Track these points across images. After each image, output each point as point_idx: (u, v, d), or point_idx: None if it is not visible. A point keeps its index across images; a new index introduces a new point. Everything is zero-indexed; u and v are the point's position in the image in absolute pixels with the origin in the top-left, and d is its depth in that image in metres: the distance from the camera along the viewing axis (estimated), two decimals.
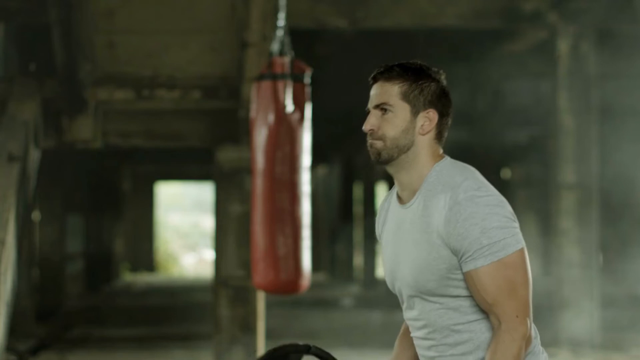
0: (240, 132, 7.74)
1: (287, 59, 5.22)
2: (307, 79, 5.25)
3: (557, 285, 9.53)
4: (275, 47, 5.30)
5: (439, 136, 2.31)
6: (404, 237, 2.30)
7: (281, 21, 5.36)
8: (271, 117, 5.11)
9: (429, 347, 2.29)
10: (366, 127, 2.32)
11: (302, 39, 7.63)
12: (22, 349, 9.07)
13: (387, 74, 2.31)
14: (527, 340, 2.20)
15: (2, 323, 6.77)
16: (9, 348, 8.10)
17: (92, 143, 8.20)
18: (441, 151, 2.32)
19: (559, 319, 9.39)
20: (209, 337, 8.86)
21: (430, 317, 2.27)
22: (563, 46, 9.44)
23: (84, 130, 8.10)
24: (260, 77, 5.24)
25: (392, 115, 2.29)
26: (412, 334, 2.36)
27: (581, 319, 9.28)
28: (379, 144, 2.29)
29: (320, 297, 14.87)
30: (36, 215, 11.81)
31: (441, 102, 2.30)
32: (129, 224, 22.90)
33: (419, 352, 2.35)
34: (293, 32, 5.50)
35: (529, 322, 2.18)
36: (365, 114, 2.35)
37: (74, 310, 13.57)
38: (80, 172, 15.62)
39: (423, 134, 2.29)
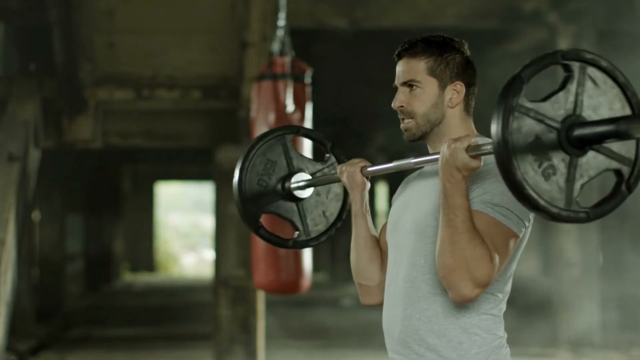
0: (240, 132, 7.74)
1: (287, 59, 5.22)
2: (307, 79, 5.25)
3: (557, 285, 9.53)
4: (275, 47, 5.31)
5: (467, 107, 2.33)
6: (423, 189, 2.31)
7: (281, 21, 5.36)
8: (272, 117, 5.11)
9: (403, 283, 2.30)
10: (395, 104, 2.33)
11: (302, 39, 7.63)
12: (22, 349, 9.07)
13: (412, 50, 2.31)
14: (481, 282, 2.11)
15: (2, 323, 6.77)
16: (9, 348, 8.11)
17: (92, 143, 8.20)
18: (473, 125, 2.35)
19: (559, 319, 9.40)
20: (209, 337, 8.86)
21: (413, 273, 2.27)
22: (563, 46, 9.44)
23: (84, 130, 8.10)
24: (261, 77, 5.24)
25: (420, 91, 2.30)
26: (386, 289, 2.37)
27: (581, 319, 9.28)
28: (411, 123, 2.31)
29: (320, 297, 14.87)
30: (36, 215, 11.81)
31: (467, 72, 2.32)
32: (129, 224, 22.89)
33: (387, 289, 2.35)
34: (293, 32, 5.50)
35: (495, 268, 2.12)
36: (391, 92, 2.37)
37: (74, 310, 13.58)
38: (80, 172, 15.62)
39: (452, 107, 2.31)
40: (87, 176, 16.70)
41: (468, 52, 2.34)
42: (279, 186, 2.68)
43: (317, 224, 2.73)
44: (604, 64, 1.95)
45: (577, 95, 1.92)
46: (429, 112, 2.30)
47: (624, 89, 1.96)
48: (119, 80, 8.16)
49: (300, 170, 2.70)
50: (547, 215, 1.89)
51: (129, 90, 8.15)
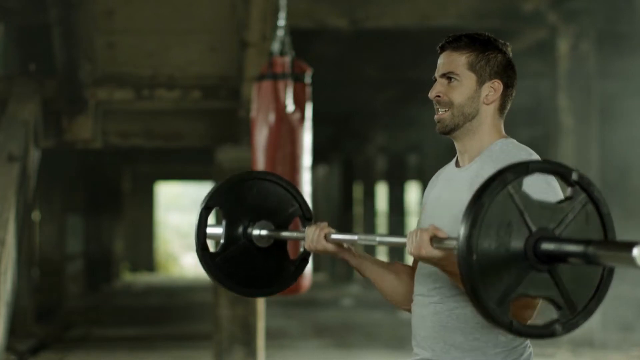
0: (240, 132, 7.74)
1: (287, 59, 5.22)
2: (307, 79, 5.25)
3: None
4: (275, 47, 5.31)
5: (502, 107, 2.35)
6: (451, 194, 2.30)
7: (281, 21, 5.36)
8: (272, 117, 5.11)
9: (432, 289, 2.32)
10: (432, 94, 2.34)
11: (301, 39, 7.63)
12: (22, 349, 9.06)
13: (455, 43, 2.34)
14: (526, 318, 2.16)
15: (2, 323, 6.77)
16: (9, 348, 8.11)
17: (92, 143, 8.20)
18: (502, 127, 2.35)
19: None
20: (209, 337, 8.86)
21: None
22: (563, 46, 9.44)
23: (84, 130, 8.09)
24: (261, 77, 5.24)
25: (458, 83, 2.32)
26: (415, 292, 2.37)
27: None
28: (446, 114, 2.32)
29: (320, 297, 14.87)
30: (36, 215, 11.81)
31: (507, 73, 2.34)
32: (129, 224, 22.90)
33: (416, 301, 2.36)
34: (293, 32, 5.50)
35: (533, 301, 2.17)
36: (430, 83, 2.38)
37: (74, 310, 13.57)
38: (80, 172, 15.62)
39: (487, 104, 2.32)
40: (87, 176, 16.70)
41: (511, 54, 2.36)
42: (246, 221, 2.58)
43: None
44: (604, 209, 1.91)
45: (565, 217, 1.88)
46: (465, 104, 2.31)
47: (607, 231, 1.91)
48: (119, 80, 8.16)
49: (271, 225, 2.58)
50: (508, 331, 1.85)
51: (129, 90, 8.15)
